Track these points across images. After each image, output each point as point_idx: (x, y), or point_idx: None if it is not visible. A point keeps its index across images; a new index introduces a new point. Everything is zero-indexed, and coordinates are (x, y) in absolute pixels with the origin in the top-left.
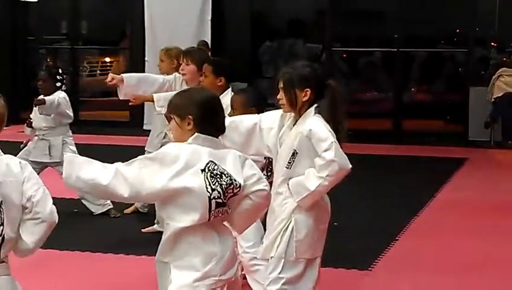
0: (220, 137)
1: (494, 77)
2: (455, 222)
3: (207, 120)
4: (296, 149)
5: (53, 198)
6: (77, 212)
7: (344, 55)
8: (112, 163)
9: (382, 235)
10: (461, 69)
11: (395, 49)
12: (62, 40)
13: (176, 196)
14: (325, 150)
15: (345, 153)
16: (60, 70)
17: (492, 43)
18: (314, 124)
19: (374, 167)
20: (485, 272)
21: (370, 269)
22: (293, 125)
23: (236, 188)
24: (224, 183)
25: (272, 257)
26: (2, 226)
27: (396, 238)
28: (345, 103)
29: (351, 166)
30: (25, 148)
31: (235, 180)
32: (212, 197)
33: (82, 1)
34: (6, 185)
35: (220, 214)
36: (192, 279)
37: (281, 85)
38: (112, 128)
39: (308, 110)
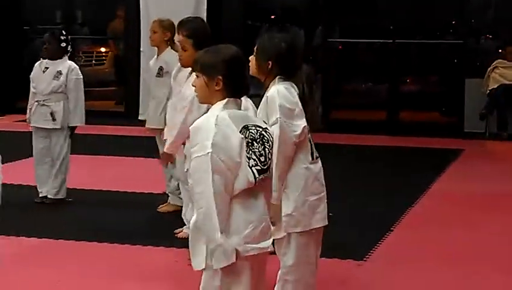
0: None
1: (489, 69)
2: (450, 213)
3: (236, 79)
4: (264, 120)
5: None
6: (71, 201)
7: (339, 47)
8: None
9: (377, 226)
10: (456, 61)
11: (391, 41)
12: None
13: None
14: (271, 124)
15: (339, 145)
16: (64, 32)
17: (488, 35)
18: (273, 91)
19: (369, 157)
20: (480, 262)
21: (365, 259)
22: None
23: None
24: (257, 150)
25: None
26: None
27: (391, 228)
28: (316, 90)
29: (293, 140)
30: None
31: (268, 133)
32: (250, 165)
33: None
34: None
35: (263, 181)
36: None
37: (255, 48)
38: (107, 118)
39: (273, 80)
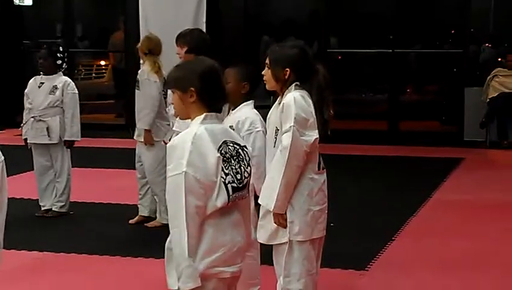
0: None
1: (489, 77)
2: (451, 221)
3: (210, 90)
4: (277, 126)
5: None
6: (73, 214)
7: (339, 57)
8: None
9: (379, 236)
10: (456, 70)
11: (390, 50)
12: (58, 44)
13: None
14: (284, 132)
15: (340, 155)
16: (61, 49)
17: (488, 44)
18: (289, 98)
19: (370, 167)
20: (481, 271)
21: (367, 269)
22: (279, 104)
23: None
24: (234, 167)
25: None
26: None
27: (393, 238)
28: (331, 90)
29: (304, 150)
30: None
31: (244, 151)
32: (227, 182)
33: (76, 4)
34: None
35: (238, 199)
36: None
37: (266, 61)
38: (107, 131)
39: (289, 87)
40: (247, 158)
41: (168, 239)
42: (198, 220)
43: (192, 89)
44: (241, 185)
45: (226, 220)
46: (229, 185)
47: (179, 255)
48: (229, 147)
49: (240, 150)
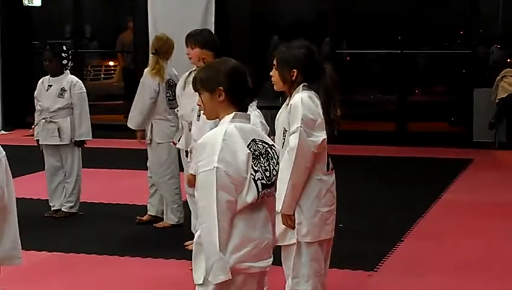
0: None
1: (498, 78)
2: (460, 223)
3: (237, 89)
4: (285, 127)
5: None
6: (82, 215)
7: (348, 58)
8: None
9: (387, 237)
10: (465, 71)
11: (399, 51)
12: (66, 44)
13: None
14: (291, 133)
15: (348, 156)
16: (65, 48)
17: (496, 44)
18: (297, 99)
19: (379, 168)
20: (490, 272)
21: (375, 270)
22: (287, 105)
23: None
24: (263, 164)
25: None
26: None
27: (402, 239)
28: (339, 90)
29: (312, 150)
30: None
31: (273, 150)
32: (256, 178)
33: (85, 5)
34: None
35: (266, 196)
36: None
37: (274, 62)
38: (116, 131)
39: (297, 88)
40: (276, 156)
41: (197, 234)
42: (230, 215)
43: (220, 88)
44: (269, 183)
45: (256, 216)
46: (258, 182)
47: (210, 249)
48: (258, 145)
49: (268, 149)
